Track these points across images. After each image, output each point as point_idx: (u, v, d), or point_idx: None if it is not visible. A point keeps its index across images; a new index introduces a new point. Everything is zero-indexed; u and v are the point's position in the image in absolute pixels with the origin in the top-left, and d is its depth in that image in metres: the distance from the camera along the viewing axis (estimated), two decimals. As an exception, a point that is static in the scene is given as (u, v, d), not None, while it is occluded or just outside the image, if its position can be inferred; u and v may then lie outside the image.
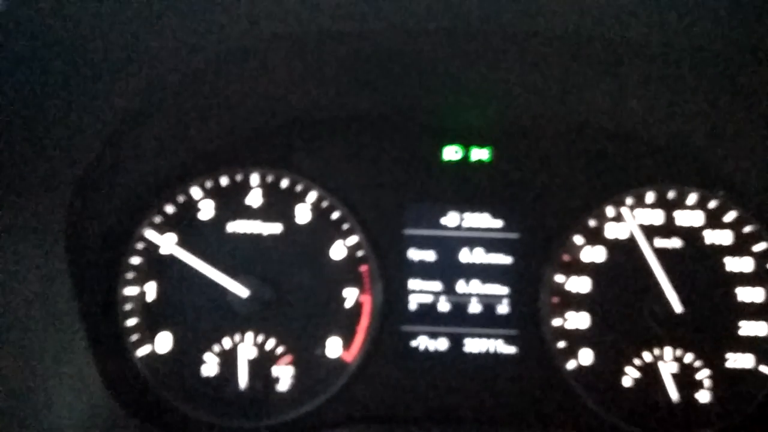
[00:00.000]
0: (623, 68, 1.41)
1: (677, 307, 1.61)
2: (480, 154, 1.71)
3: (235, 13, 1.19)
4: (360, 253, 1.70)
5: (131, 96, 1.34)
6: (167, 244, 1.69)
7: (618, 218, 1.68)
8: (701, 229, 1.66)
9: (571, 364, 1.67)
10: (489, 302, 1.70)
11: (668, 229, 1.67)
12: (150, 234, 1.69)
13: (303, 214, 1.71)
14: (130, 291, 1.69)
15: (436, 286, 1.71)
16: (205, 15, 1.18)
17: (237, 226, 1.71)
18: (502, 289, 1.70)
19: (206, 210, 1.72)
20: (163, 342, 1.70)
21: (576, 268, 1.68)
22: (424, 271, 1.71)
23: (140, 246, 1.69)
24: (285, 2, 1.17)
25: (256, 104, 1.61)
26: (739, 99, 1.42)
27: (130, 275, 1.69)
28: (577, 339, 1.67)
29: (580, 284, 1.68)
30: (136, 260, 1.69)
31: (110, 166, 1.48)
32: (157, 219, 1.70)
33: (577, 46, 1.33)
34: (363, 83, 1.57)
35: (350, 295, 1.70)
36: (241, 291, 1.66)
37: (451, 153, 1.72)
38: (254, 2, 1.17)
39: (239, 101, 1.57)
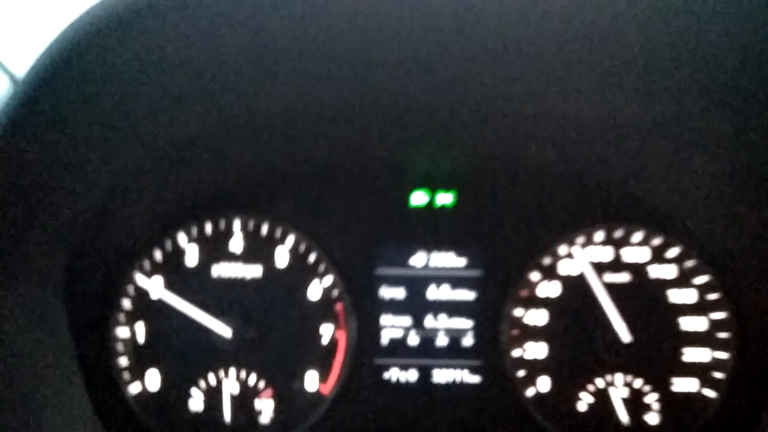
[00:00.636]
0: (572, 118, 1.53)
1: (625, 337, 1.75)
2: (445, 198, 1.86)
3: (219, 86, 1.34)
4: (335, 293, 1.83)
5: (126, 161, 1.47)
6: (156, 288, 1.82)
7: (570, 255, 1.82)
8: (646, 264, 1.80)
9: (530, 392, 1.81)
10: (455, 335, 1.84)
11: (616, 264, 1.81)
12: (140, 279, 1.81)
13: (282, 257, 1.84)
14: (122, 332, 1.80)
15: (406, 321, 1.84)
16: (192, 88, 1.32)
17: (221, 270, 1.84)
18: (466, 323, 1.83)
19: (192, 255, 1.84)
20: (153, 379, 1.81)
21: (533, 302, 1.82)
22: (395, 307, 1.84)
23: (131, 290, 1.82)
24: (268, 81, 1.32)
25: (237, 160, 1.75)
26: (683, 147, 1.54)
27: (121, 317, 1.81)
28: (535, 368, 1.81)
29: (537, 317, 1.82)
30: (127, 303, 1.81)
31: (106, 219, 1.60)
32: (147, 264, 1.83)
33: (528, 99, 1.46)
34: (337, 139, 1.71)
35: (326, 331, 1.83)
36: (225, 331, 1.78)
37: (418, 198, 1.86)
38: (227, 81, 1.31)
39: (224, 158, 1.71)
